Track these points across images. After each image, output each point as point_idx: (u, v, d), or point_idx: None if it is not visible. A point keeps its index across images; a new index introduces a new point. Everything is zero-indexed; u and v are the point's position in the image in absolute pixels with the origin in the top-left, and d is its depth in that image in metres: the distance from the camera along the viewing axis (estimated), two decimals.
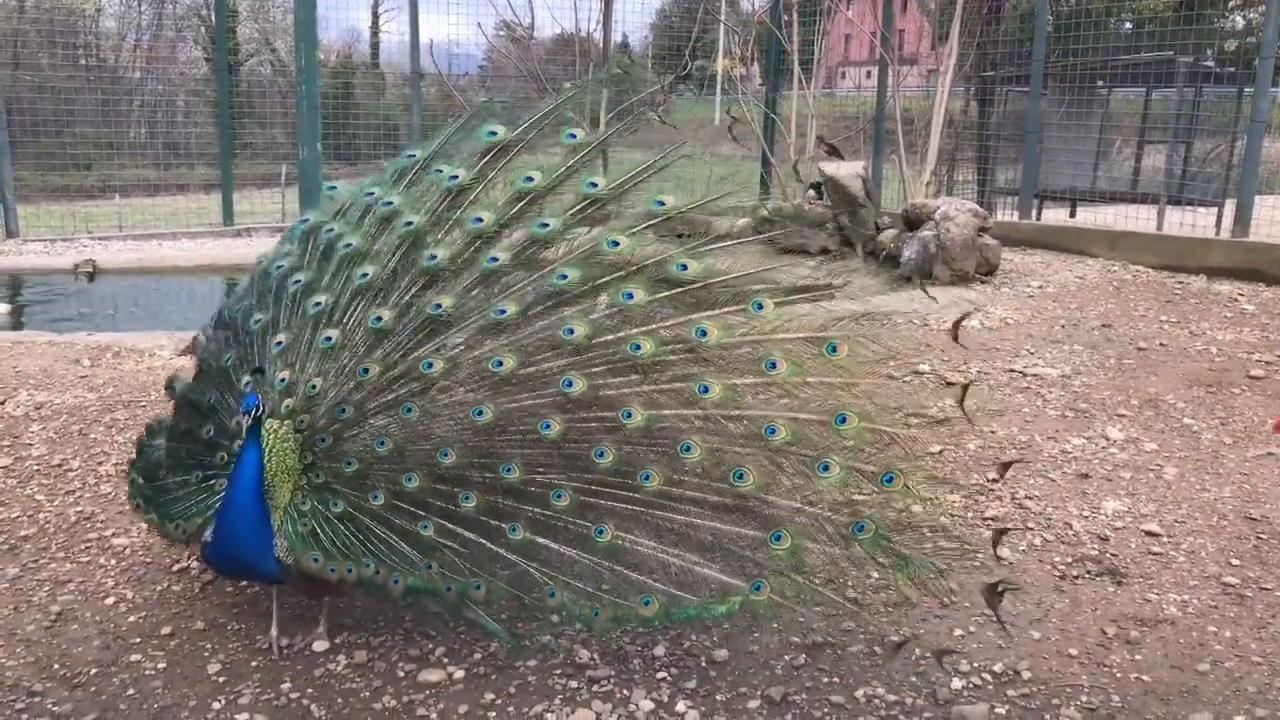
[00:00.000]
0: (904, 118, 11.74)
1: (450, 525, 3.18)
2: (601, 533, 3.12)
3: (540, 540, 3.16)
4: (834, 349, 3.17)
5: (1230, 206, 9.63)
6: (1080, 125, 12.06)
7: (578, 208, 3.38)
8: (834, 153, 11.26)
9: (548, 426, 3.13)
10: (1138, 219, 10.26)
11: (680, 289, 3.25)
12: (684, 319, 3.23)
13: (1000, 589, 3.22)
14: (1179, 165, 10.81)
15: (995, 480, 4.34)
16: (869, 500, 3.13)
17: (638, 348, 3.16)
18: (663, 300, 3.24)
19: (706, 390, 3.14)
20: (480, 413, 3.15)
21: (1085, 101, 12.00)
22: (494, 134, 3.52)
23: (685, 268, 3.26)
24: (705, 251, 3.31)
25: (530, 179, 3.41)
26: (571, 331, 3.18)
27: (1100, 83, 11.87)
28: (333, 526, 3.15)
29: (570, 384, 3.15)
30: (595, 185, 3.37)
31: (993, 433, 5.23)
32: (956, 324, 4.34)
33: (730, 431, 3.18)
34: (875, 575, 3.53)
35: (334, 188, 3.92)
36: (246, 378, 3.28)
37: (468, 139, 3.64)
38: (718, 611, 3.09)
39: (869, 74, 15.14)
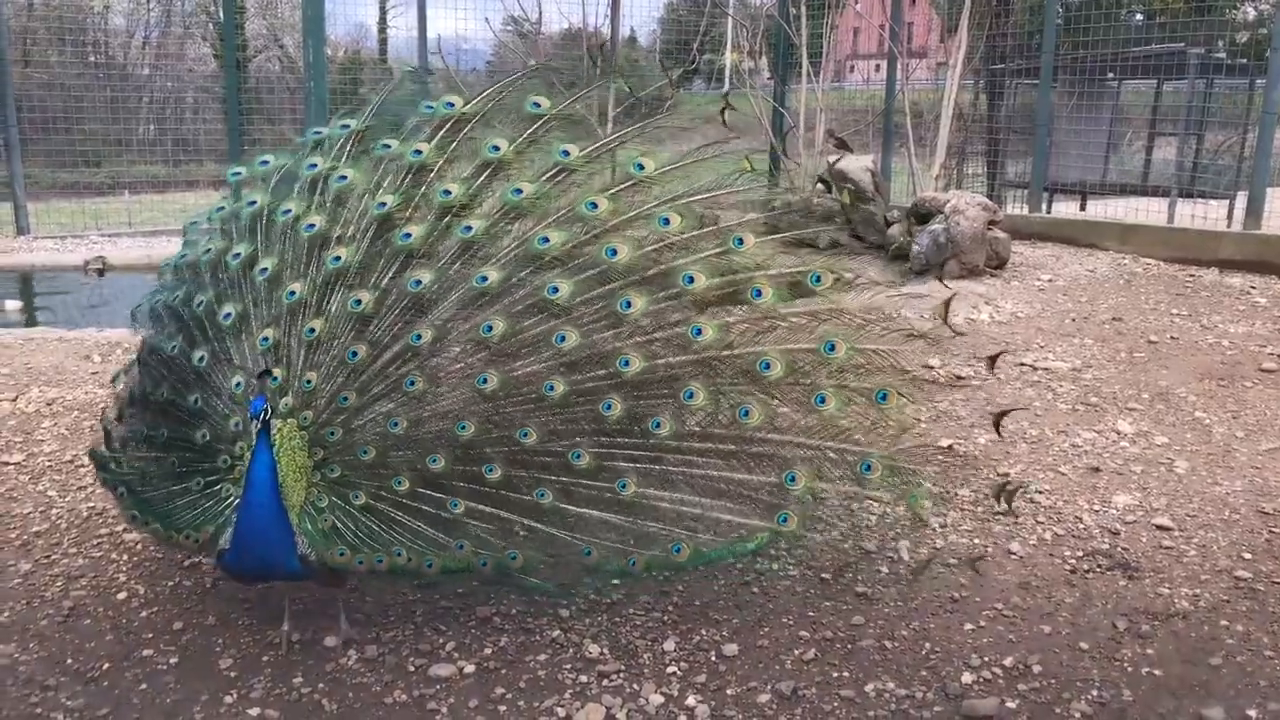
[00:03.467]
0: (913, 111, 11.69)
1: (478, 503, 3.23)
2: (624, 486, 3.24)
3: (567, 506, 3.26)
4: (818, 278, 3.37)
5: (1242, 199, 9.58)
6: (1090, 118, 12.01)
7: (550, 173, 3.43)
8: (843, 146, 11.23)
9: (551, 388, 3.20)
10: (1148, 212, 10.22)
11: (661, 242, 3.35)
12: (670, 266, 3.32)
13: (1009, 488, 3.60)
14: (1190, 158, 10.76)
15: (989, 363, 4.32)
16: (872, 433, 3.38)
17: (628, 304, 3.25)
18: (648, 254, 3.33)
19: (700, 333, 3.27)
20: (485, 380, 3.19)
21: (1095, 94, 11.94)
22: (450, 105, 3.54)
23: (668, 222, 3.36)
24: (687, 203, 3.39)
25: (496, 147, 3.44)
26: (556, 290, 3.24)
27: (1110, 75, 11.81)
28: (354, 519, 3.16)
29: (564, 339, 3.22)
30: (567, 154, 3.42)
31: (1004, 428, 5.21)
32: (946, 303, 4.23)
33: (728, 372, 3.33)
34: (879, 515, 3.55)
35: (265, 161, 3.81)
36: (237, 379, 3.27)
37: (410, 111, 3.67)
38: (747, 548, 3.35)
39: (878, 67, 15.12)
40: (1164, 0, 14.10)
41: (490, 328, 3.22)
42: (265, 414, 2.95)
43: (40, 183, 13.90)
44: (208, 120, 16.60)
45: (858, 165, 10.26)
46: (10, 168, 11.61)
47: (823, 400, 3.31)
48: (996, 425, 4.08)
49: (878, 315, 3.45)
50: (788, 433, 3.36)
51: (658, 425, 3.24)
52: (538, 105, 3.48)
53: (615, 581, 3.53)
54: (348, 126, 3.67)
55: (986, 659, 3.26)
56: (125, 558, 3.86)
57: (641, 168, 3.40)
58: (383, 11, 22.23)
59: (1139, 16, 14.34)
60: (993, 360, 4.16)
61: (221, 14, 14.84)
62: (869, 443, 3.36)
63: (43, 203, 13.11)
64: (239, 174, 3.85)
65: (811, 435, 3.36)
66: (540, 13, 12.72)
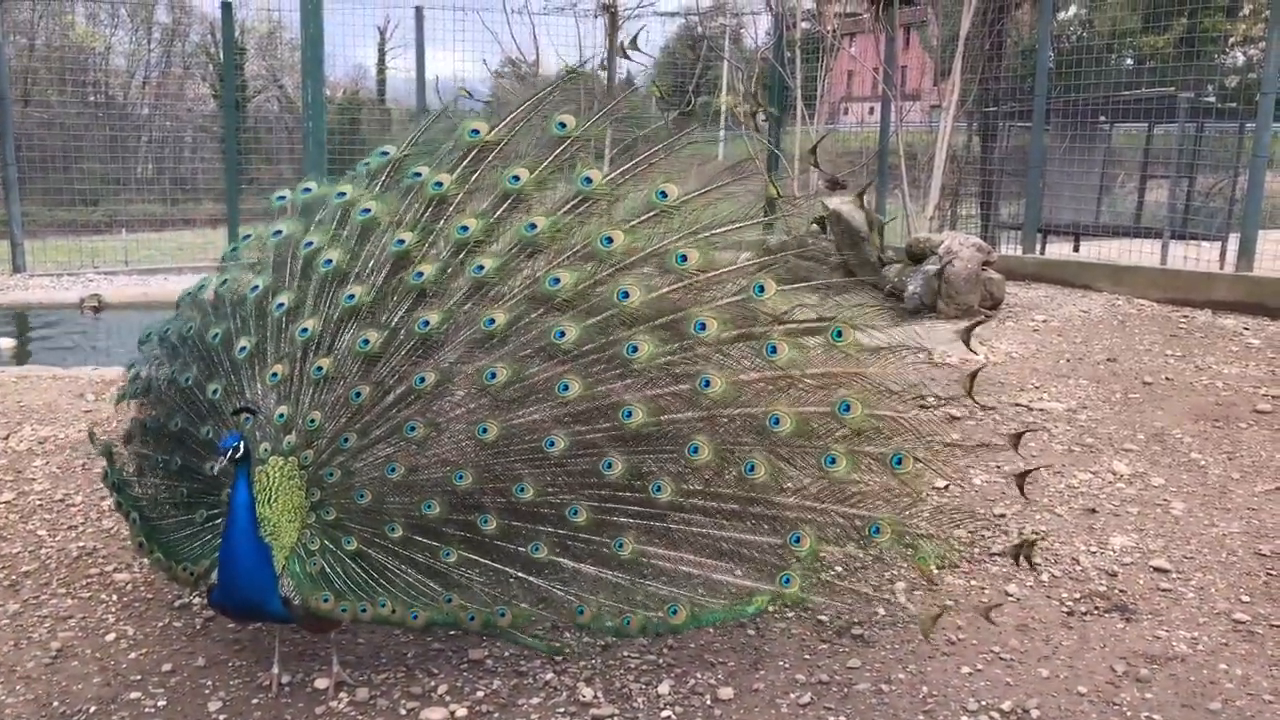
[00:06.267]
0: (907, 153, 11.79)
1: (472, 553, 3.17)
2: (621, 546, 3.15)
3: (563, 560, 3.19)
4: (839, 334, 3.23)
5: (1234, 241, 9.65)
6: (1083, 160, 12.11)
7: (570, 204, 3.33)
8: (835, 186, 11.29)
9: (552, 443, 3.12)
10: (1141, 253, 10.28)
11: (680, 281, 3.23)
12: (682, 314, 3.20)
13: (1029, 542, 3.47)
14: (1182, 200, 10.84)
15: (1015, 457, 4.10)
16: (881, 496, 3.24)
17: (635, 349, 3.15)
18: (664, 295, 3.22)
19: (708, 384, 3.14)
20: (485, 430, 3.14)
21: (1087, 136, 12.06)
22: (476, 133, 3.44)
23: (685, 259, 3.23)
24: (706, 240, 3.26)
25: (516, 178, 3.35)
26: (562, 335, 3.16)
27: (1102, 118, 11.93)
28: (344, 565, 3.11)
29: (567, 388, 3.13)
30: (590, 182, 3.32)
31: (998, 468, 5.20)
32: (969, 330, 4.03)
33: (735, 428, 3.20)
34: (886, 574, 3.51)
35: (282, 198, 3.78)
36: (246, 415, 3.25)
37: (447, 137, 3.56)
38: (746, 612, 3.24)
39: (872, 110, 15.24)
40: (1154, 45, 14.26)
41: (494, 375, 3.15)
42: (236, 452, 2.92)
43: (38, 220, 13.94)
44: (206, 159, 16.68)
45: (852, 206, 10.31)
46: (8, 206, 11.65)
47: (833, 461, 3.14)
48: (1015, 445, 3.91)
49: (898, 380, 3.30)
50: (794, 495, 3.22)
51: (659, 490, 3.14)
52: (563, 125, 3.37)
53: (587, 640, 3.46)
54: (386, 154, 3.61)
55: (984, 703, 3.23)
56: (114, 598, 3.83)
57: (665, 195, 3.28)
58: (381, 53, 22.45)
59: (1129, 61, 14.51)
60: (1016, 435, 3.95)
61: (221, 55, 14.97)
62: (878, 507, 3.22)
63: (40, 240, 13.14)
64: (284, 199, 3.78)
65: (820, 500, 3.22)
66: (537, 54, 12.83)
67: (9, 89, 12.07)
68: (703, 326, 3.16)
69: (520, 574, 3.21)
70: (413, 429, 3.17)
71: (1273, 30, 9.01)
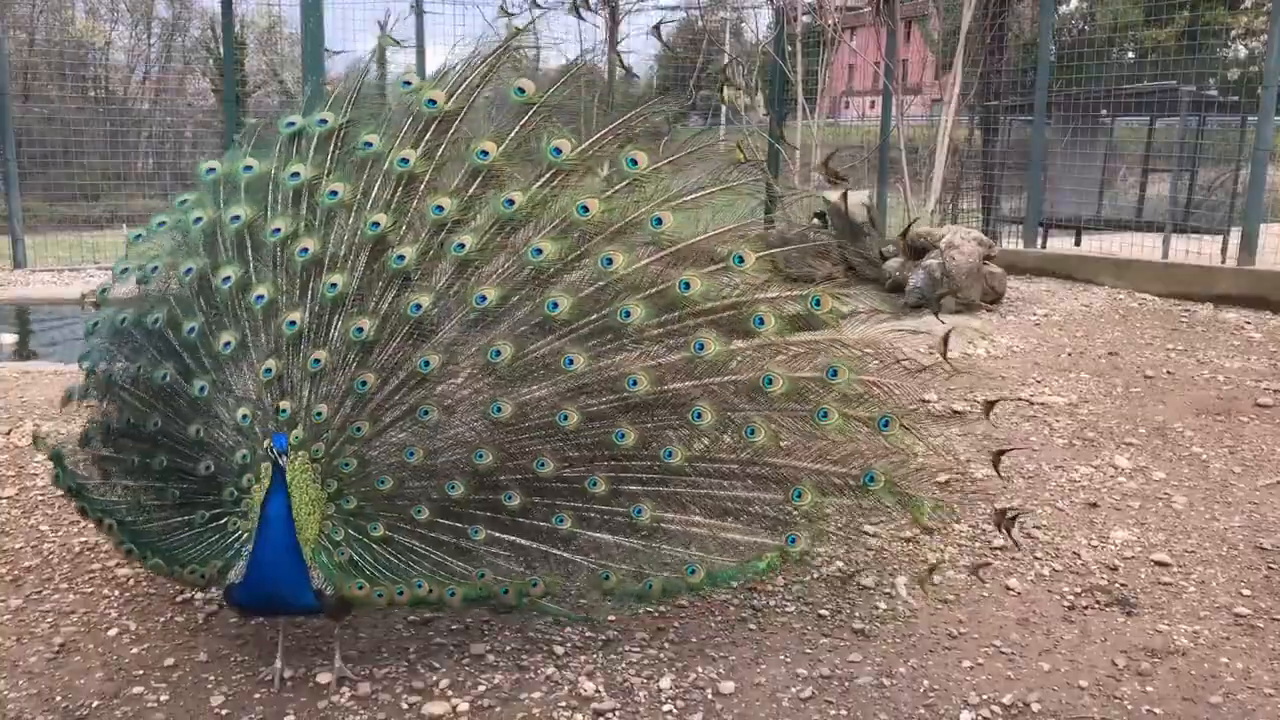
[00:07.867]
0: (908, 146, 11.77)
1: (498, 531, 3.23)
2: (640, 513, 3.25)
3: (584, 531, 3.28)
4: (818, 302, 3.38)
5: (1236, 234, 9.63)
6: (1084, 154, 12.09)
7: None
8: (838, 179, 11.28)
9: (565, 417, 3.20)
10: (1143, 247, 10.27)
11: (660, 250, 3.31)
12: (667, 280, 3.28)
13: (1011, 515, 3.57)
14: (1184, 193, 10.82)
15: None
16: (874, 450, 3.40)
17: (628, 314, 3.22)
18: (645, 264, 3.28)
19: (703, 348, 3.25)
20: (499, 408, 3.18)
21: (1089, 130, 12.03)
22: (433, 103, 3.36)
23: (660, 222, 3.30)
24: (681, 204, 3.31)
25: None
26: (556, 306, 3.21)
27: (1104, 111, 11.91)
28: (372, 551, 3.14)
29: (571, 362, 3.20)
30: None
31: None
32: (944, 339, 4.07)
33: (731, 393, 3.32)
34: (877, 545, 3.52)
35: (211, 170, 3.59)
36: (243, 411, 3.24)
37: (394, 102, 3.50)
38: (758, 568, 3.38)
39: (873, 103, 15.22)
40: (1155, 38, 14.24)
41: (498, 353, 3.19)
42: (284, 455, 2.92)
43: (38, 216, 13.92)
44: (206, 154, 16.65)
45: (854, 200, 10.31)
46: (9, 202, 11.63)
47: (825, 415, 3.30)
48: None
49: (879, 350, 3.46)
50: (793, 455, 3.37)
51: (670, 455, 3.25)
52: (522, 91, 3.31)
53: (612, 606, 3.49)
54: (325, 122, 3.49)
55: (985, 697, 3.24)
56: (117, 593, 3.83)
57: (635, 164, 3.29)
58: (381, 48, 22.42)
59: (1131, 54, 14.48)
60: (990, 405, 4.04)
61: (221, 49, 14.95)
62: (873, 463, 3.38)
63: (41, 236, 13.13)
64: (213, 171, 3.59)
65: (817, 460, 3.36)
66: (538, 50, 12.83)
67: (9, 84, 12.05)
68: (687, 286, 3.26)
69: (545, 547, 3.27)
70: (426, 413, 3.20)
71: (1275, 23, 8.99)
